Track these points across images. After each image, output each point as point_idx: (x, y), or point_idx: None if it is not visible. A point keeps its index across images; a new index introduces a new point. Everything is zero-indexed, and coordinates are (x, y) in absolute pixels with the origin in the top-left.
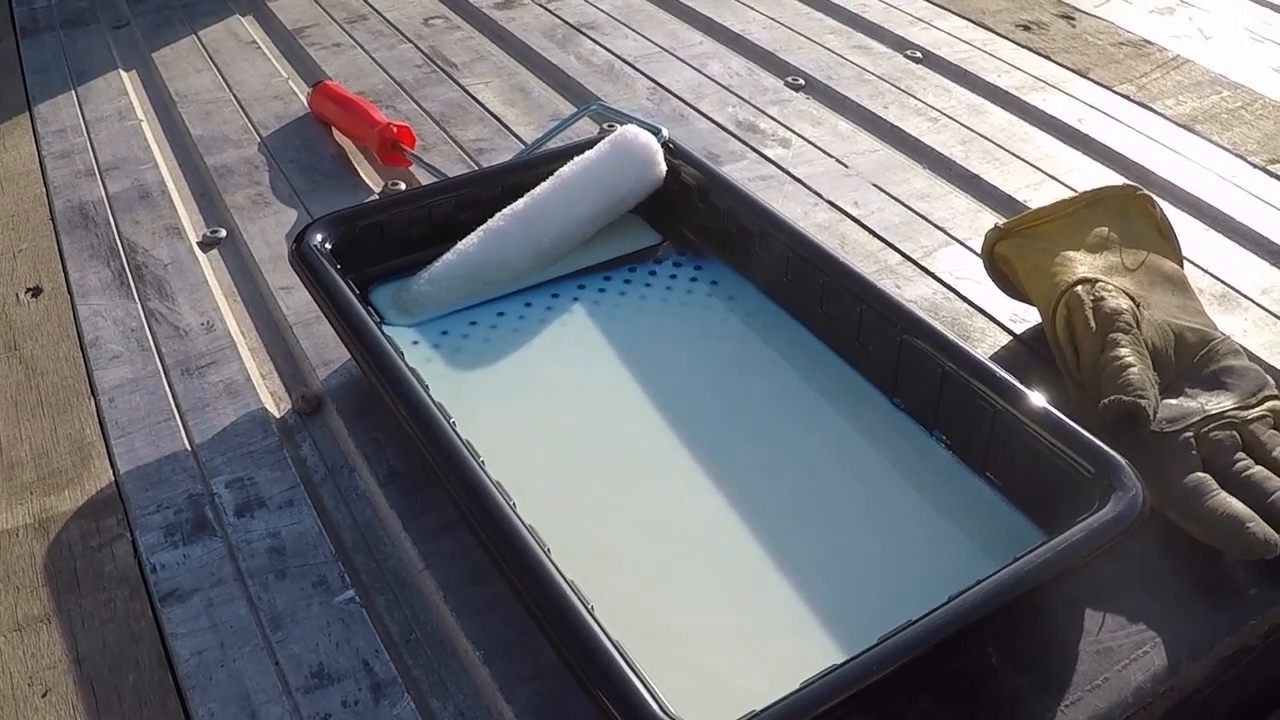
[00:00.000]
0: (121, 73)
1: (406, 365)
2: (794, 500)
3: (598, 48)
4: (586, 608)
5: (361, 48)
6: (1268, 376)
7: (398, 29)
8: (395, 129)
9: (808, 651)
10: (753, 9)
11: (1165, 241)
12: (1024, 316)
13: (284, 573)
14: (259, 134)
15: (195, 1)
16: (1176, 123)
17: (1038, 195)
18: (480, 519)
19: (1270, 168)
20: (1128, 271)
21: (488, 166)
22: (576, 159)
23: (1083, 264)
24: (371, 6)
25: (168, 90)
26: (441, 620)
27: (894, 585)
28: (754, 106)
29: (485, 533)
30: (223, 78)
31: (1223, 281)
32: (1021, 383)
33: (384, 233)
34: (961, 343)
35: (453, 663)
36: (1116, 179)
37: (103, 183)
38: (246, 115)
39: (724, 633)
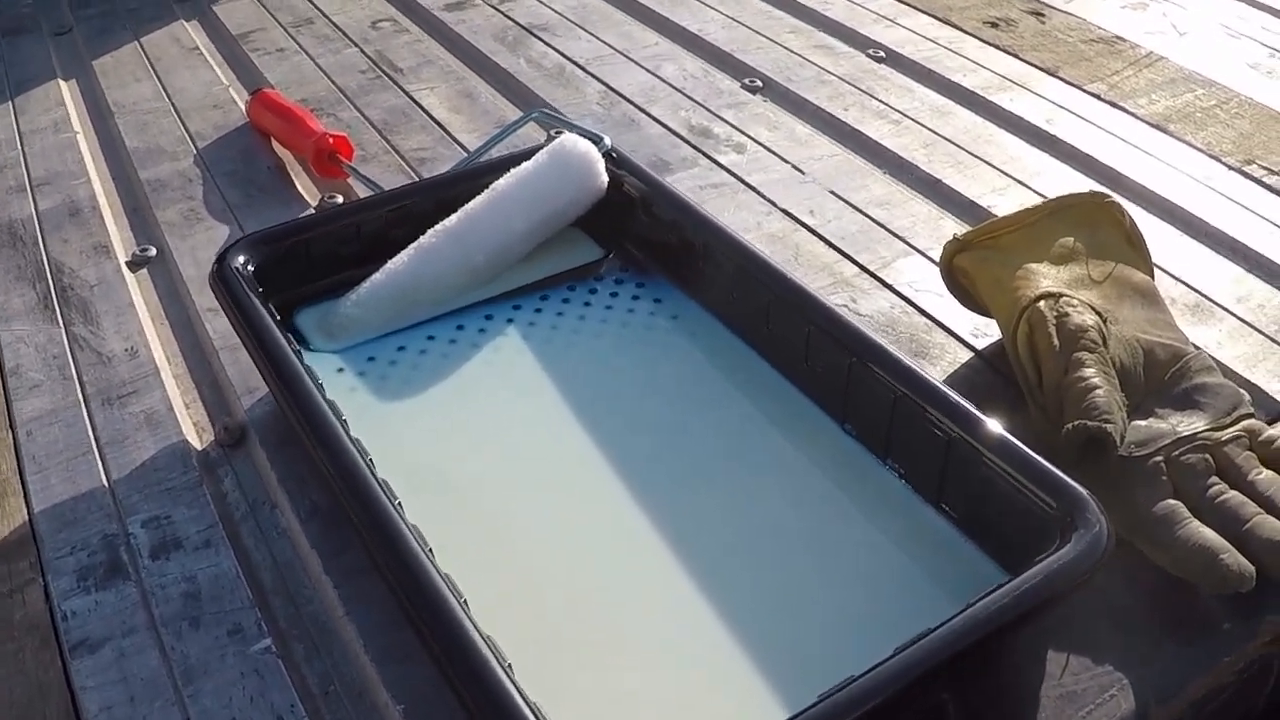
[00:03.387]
0: (60, 82)
1: (325, 398)
2: (737, 538)
3: (549, 50)
4: (504, 666)
5: (306, 53)
6: (1243, 393)
7: (344, 33)
8: (332, 139)
9: (745, 711)
10: (711, 8)
11: (1134, 251)
12: (986, 331)
13: (198, 620)
14: (195, 145)
15: (140, 6)
16: (1149, 123)
17: (1002, 200)
18: (393, 569)
19: (1245, 169)
20: (1094, 284)
21: (421, 180)
22: (512, 171)
23: (1046, 277)
24: (318, 9)
25: (106, 100)
26: (361, 670)
27: (842, 630)
28: (708, 110)
29: (397, 585)
30: (162, 86)
31: (1196, 290)
32: (980, 408)
33: (310, 252)
34: (915, 366)
35: (373, 716)
36: (1085, 182)
37: (34, 199)
38: (184, 126)
39: (655, 692)
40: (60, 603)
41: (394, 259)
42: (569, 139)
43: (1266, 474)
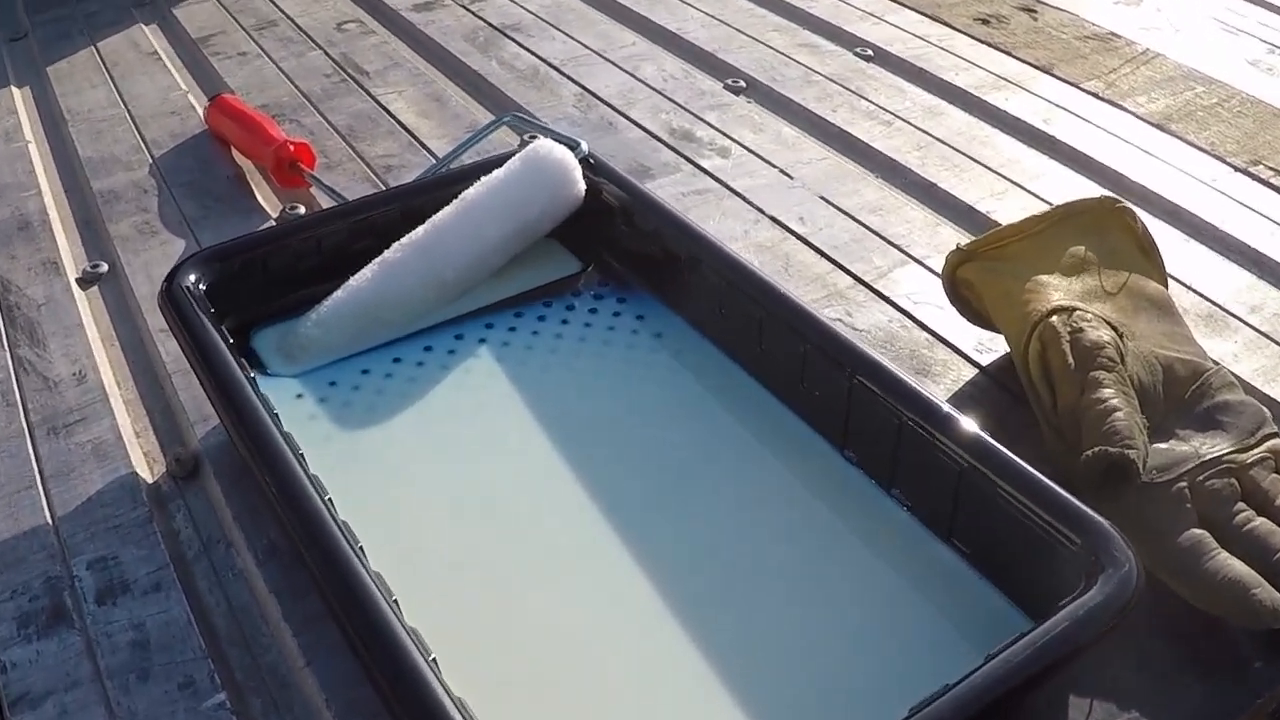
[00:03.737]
0: (14, 89)
1: (281, 430)
2: (726, 577)
3: (522, 51)
4: None
5: (268, 56)
6: (1265, 411)
7: (308, 35)
8: (293, 147)
9: None
10: (691, 6)
11: (1148, 260)
12: (991, 346)
13: (147, 673)
14: (151, 154)
15: (98, 10)
16: (1149, 122)
17: (1002, 205)
18: (354, 624)
19: (1252, 170)
20: (1108, 296)
21: (386, 189)
22: (483, 179)
23: (1057, 289)
24: (282, 11)
25: (60, 107)
26: None
27: (846, 679)
28: (690, 112)
29: (359, 642)
30: (118, 92)
31: (1208, 299)
32: (992, 434)
33: (268, 268)
34: (921, 388)
35: None
36: (1087, 185)
37: None
38: (140, 134)
39: None
40: (1, 653)
41: (357, 275)
42: (543, 144)
43: None
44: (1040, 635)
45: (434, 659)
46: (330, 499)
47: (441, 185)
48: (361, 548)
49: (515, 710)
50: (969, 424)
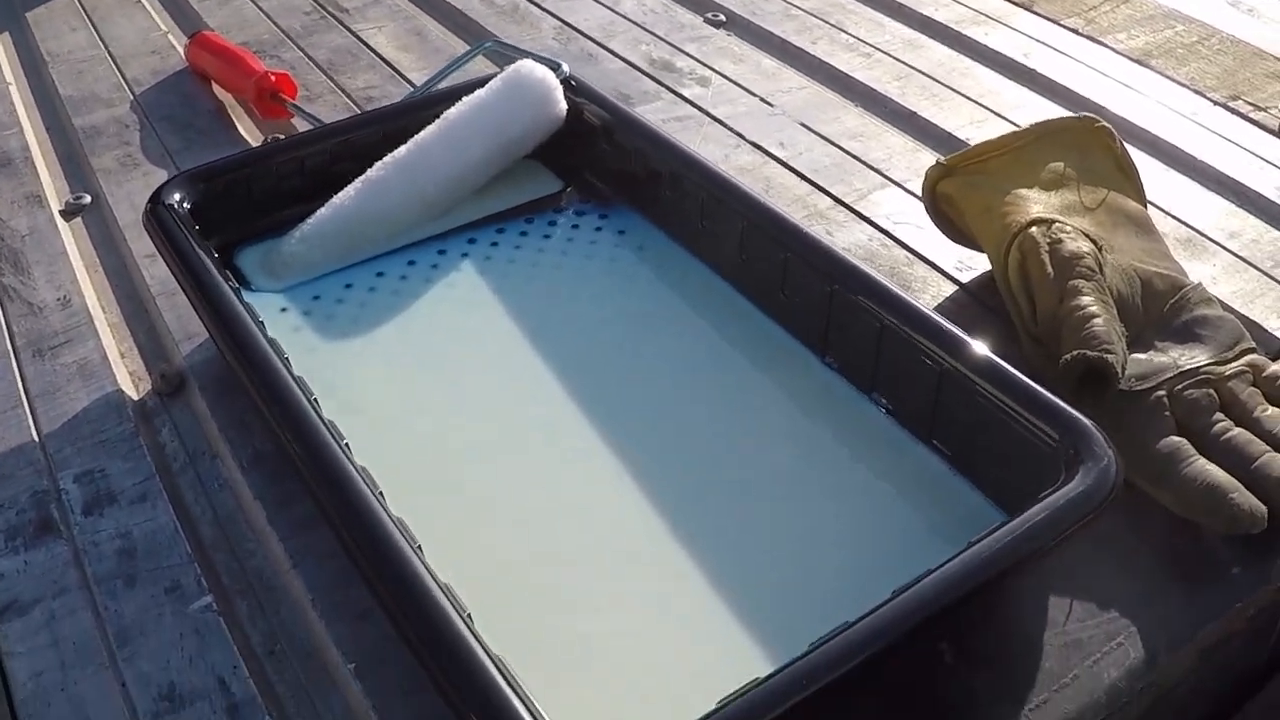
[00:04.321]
0: None
1: (265, 336)
2: (709, 478)
3: None
4: (462, 616)
5: None
6: (1242, 327)
7: None
8: (274, 77)
9: (728, 662)
10: None
11: (1127, 179)
12: (971, 264)
13: (134, 578)
14: (133, 92)
15: None
16: (1129, 57)
17: (981, 132)
18: (338, 512)
19: (1231, 104)
20: (1087, 211)
21: (368, 111)
22: (465, 99)
23: (1037, 203)
24: None
25: (40, 51)
26: (310, 628)
27: (828, 575)
28: (670, 44)
29: (344, 529)
30: (98, 34)
31: (1187, 225)
32: (971, 337)
33: (251, 189)
34: (901, 291)
35: (322, 677)
36: (1068, 115)
37: None
38: (120, 73)
39: (628, 642)
40: None
41: (341, 193)
42: (525, 65)
43: (1273, 410)
44: (1021, 523)
45: (419, 546)
46: (316, 399)
47: (424, 106)
48: (347, 444)
49: (501, 593)
50: (949, 326)
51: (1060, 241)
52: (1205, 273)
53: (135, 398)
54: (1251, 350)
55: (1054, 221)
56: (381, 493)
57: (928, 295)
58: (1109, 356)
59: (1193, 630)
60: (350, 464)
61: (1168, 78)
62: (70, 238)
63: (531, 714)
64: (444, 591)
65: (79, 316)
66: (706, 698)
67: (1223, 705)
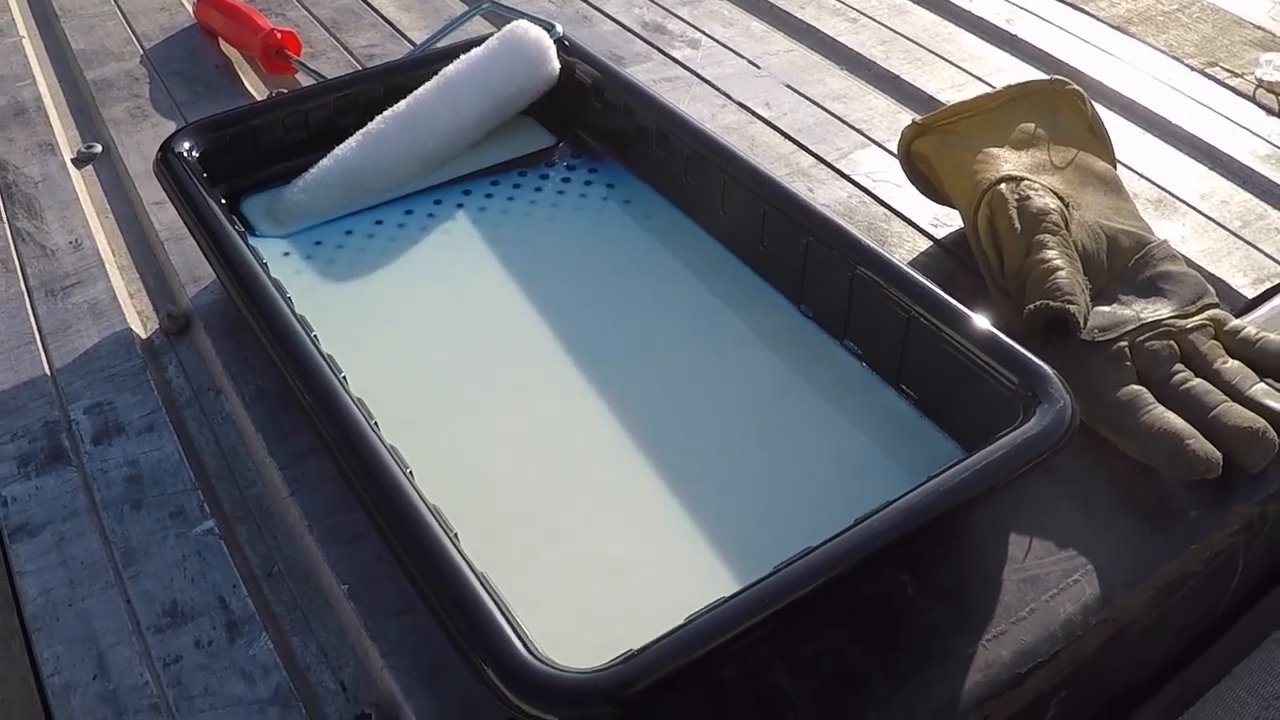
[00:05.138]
0: None
1: (269, 276)
2: (688, 416)
3: None
4: (449, 535)
5: None
6: (1205, 283)
7: None
8: (280, 35)
9: (698, 584)
10: None
11: (1096, 140)
12: (945, 220)
13: (140, 503)
14: (142, 46)
15: None
16: (1109, 24)
17: (962, 96)
18: (335, 438)
19: (1208, 70)
20: (1056, 170)
21: (370, 67)
22: (463, 57)
23: (1007, 161)
24: None
25: (52, 6)
26: (306, 551)
27: (797, 507)
28: (662, 7)
29: (339, 453)
30: None
31: (1159, 186)
32: (940, 288)
33: (257, 140)
34: (872, 243)
35: (316, 597)
36: (1040, 78)
37: None
38: (131, 28)
39: (605, 564)
40: (1, 489)
41: (342, 145)
42: (520, 25)
43: (1232, 363)
44: (978, 460)
45: (410, 471)
46: (316, 335)
47: (423, 64)
48: (344, 377)
49: (486, 516)
50: (916, 275)
51: (1028, 198)
52: (1175, 232)
53: (143, 336)
54: (1214, 305)
55: (1023, 179)
56: (376, 422)
57: (904, 250)
58: (1071, 307)
59: (1149, 569)
60: (347, 394)
61: (1147, 44)
62: (81, 185)
63: (511, 625)
64: (432, 512)
65: (90, 259)
66: (676, 615)
67: (1184, 649)
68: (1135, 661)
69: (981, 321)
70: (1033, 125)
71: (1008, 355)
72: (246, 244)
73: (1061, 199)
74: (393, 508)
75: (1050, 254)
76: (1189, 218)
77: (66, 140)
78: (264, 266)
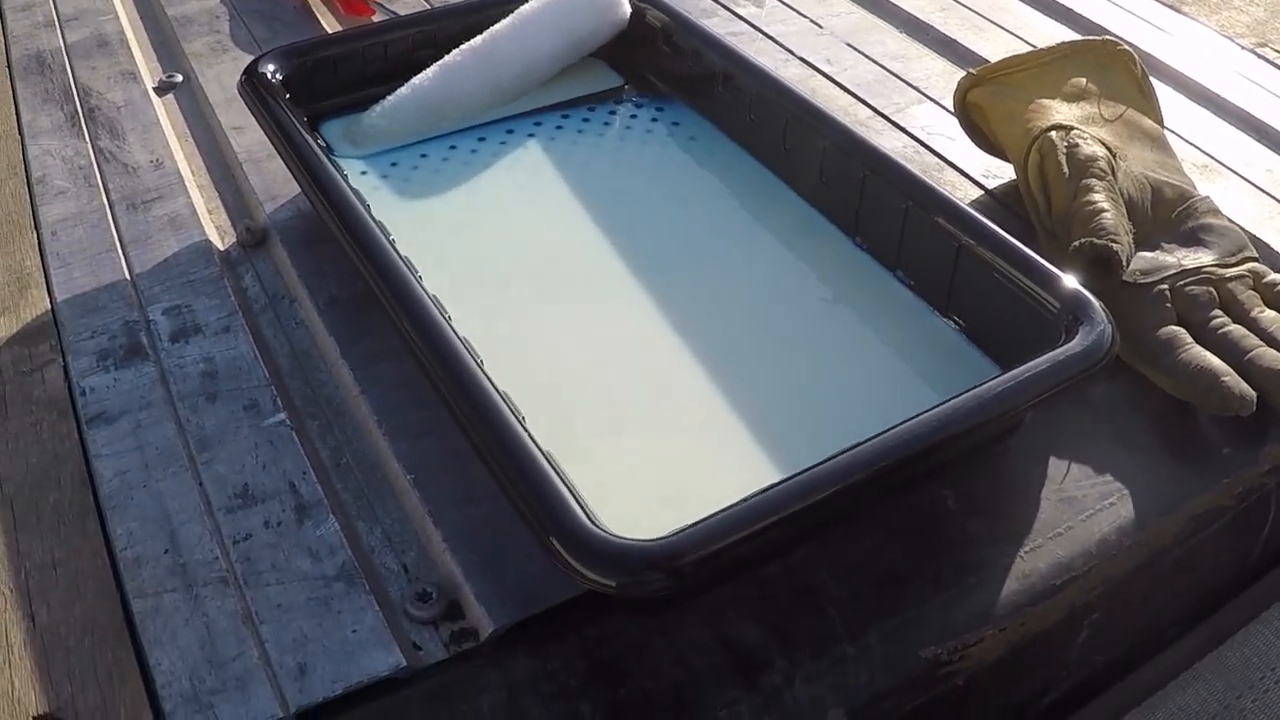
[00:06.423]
0: None
1: (349, 186)
2: (743, 333)
3: None
4: (518, 417)
5: None
6: (1245, 237)
7: None
8: None
9: (749, 476)
10: None
11: (1145, 100)
12: (996, 172)
13: (215, 396)
14: None
15: None
16: (1164, 3)
17: None
18: (412, 327)
19: (1258, 50)
20: (1105, 123)
21: (449, 4)
22: None
23: (1058, 112)
24: None
25: None
26: (373, 445)
27: (845, 420)
28: None
29: (415, 339)
30: None
31: (1205, 152)
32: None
33: (337, 68)
34: (925, 177)
35: (382, 487)
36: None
37: (61, 32)
38: None
39: (662, 455)
40: (79, 380)
41: (420, 75)
42: None
43: (1269, 312)
44: (1022, 372)
45: (481, 361)
46: (394, 239)
47: (500, 4)
48: (420, 276)
49: (549, 406)
50: (966, 206)
51: (1077, 145)
52: (1219, 194)
53: (220, 248)
54: (1254, 259)
55: (1073, 128)
56: (449, 316)
57: (953, 195)
58: (1114, 246)
59: (1182, 499)
60: (423, 290)
61: (1199, 23)
62: (162, 110)
63: (573, 496)
64: (502, 397)
65: (170, 177)
66: (720, 502)
67: (1215, 595)
68: (1166, 596)
69: (1026, 249)
70: (1084, 80)
71: (1050, 281)
72: (329, 159)
73: (1109, 149)
74: (467, 392)
75: (1096, 196)
76: (1233, 182)
77: (148, 70)
78: (344, 177)
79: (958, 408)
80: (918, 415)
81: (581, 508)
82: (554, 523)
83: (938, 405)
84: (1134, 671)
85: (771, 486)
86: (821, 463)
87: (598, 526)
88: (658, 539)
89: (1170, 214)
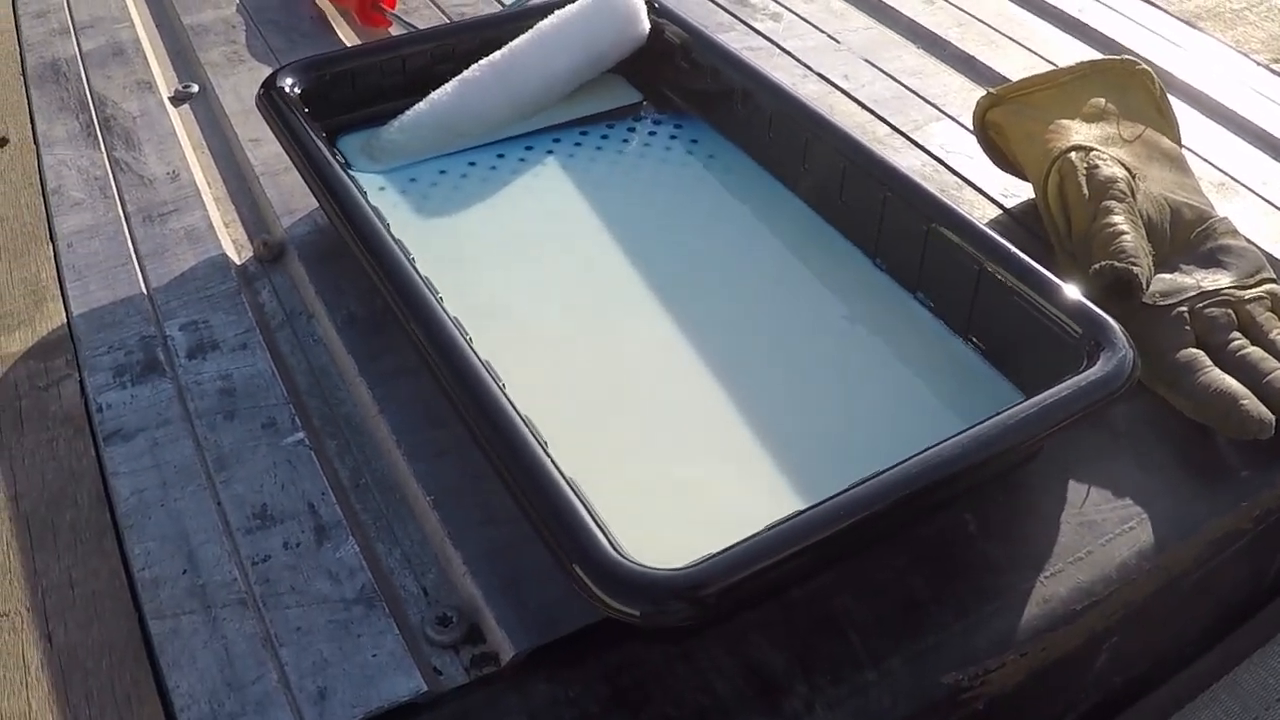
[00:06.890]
0: None
1: (368, 203)
2: (763, 354)
3: None
4: (540, 443)
5: None
6: (1264, 259)
7: None
8: None
9: (772, 503)
10: None
11: (1163, 120)
12: (1015, 191)
13: (233, 414)
14: None
15: None
16: (1179, 18)
17: None
18: (432, 349)
19: (1273, 66)
20: (1124, 143)
21: (468, 19)
22: (558, 13)
23: (1078, 132)
24: None
25: None
26: (393, 465)
27: (866, 445)
28: None
29: (436, 361)
30: None
31: (1222, 171)
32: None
33: (355, 82)
34: (946, 199)
35: (401, 508)
36: (1111, 56)
37: (77, 40)
38: None
39: (685, 481)
40: (96, 396)
41: (438, 90)
42: None
43: None
44: (1043, 399)
45: (503, 385)
46: (414, 258)
47: (518, 18)
48: (440, 297)
49: (573, 431)
50: (987, 229)
51: (1096, 167)
52: (1235, 213)
53: (238, 263)
54: (1272, 280)
55: (1092, 149)
56: (470, 338)
57: (974, 217)
58: (1134, 269)
59: (1201, 522)
60: (444, 311)
61: (1215, 39)
62: (179, 121)
63: (597, 525)
64: (525, 422)
65: (187, 189)
66: (753, 528)
67: (1232, 616)
68: (1184, 619)
69: (1047, 273)
70: (1103, 100)
71: (1071, 305)
72: (347, 175)
73: (1128, 170)
74: (489, 418)
75: (1116, 219)
76: (1250, 201)
77: (164, 80)
78: (363, 193)
79: (980, 435)
80: (941, 442)
81: (605, 535)
82: (578, 551)
83: (961, 432)
84: (1151, 693)
85: (796, 515)
86: (845, 490)
87: (622, 555)
88: (682, 568)
89: (1189, 235)
